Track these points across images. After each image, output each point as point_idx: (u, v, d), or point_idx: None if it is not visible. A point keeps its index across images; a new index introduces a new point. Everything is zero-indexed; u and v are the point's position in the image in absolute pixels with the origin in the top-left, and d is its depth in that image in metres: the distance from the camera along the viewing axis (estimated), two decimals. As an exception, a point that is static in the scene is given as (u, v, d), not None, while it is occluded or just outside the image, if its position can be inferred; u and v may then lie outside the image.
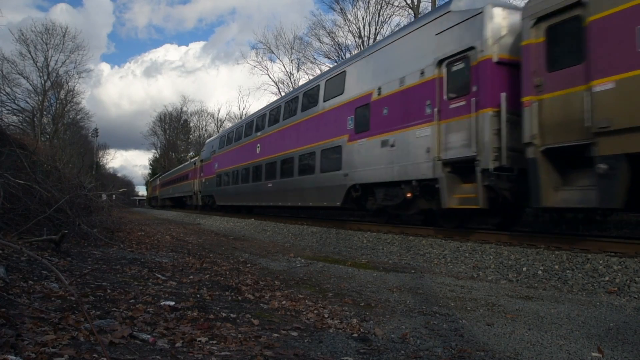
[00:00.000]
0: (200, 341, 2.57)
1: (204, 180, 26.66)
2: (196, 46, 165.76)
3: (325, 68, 30.75)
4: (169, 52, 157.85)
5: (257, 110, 20.90)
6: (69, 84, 44.58)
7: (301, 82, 34.06)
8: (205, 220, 21.40)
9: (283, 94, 38.50)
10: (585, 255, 5.78)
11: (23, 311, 2.60)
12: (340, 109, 11.90)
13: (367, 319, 3.67)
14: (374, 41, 29.16)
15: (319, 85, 13.41)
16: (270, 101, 22.44)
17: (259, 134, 18.08)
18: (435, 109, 8.40)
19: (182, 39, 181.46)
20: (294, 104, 15.11)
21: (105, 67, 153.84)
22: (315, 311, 3.84)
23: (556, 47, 6.33)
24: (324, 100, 12.88)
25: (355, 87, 11.35)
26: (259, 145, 17.86)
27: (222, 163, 22.99)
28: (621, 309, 4.26)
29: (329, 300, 4.40)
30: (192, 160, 34.62)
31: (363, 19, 29.83)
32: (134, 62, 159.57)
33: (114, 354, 2.13)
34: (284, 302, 4.14)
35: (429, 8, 24.53)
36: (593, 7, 5.68)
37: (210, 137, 60.96)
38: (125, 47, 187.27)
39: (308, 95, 14.16)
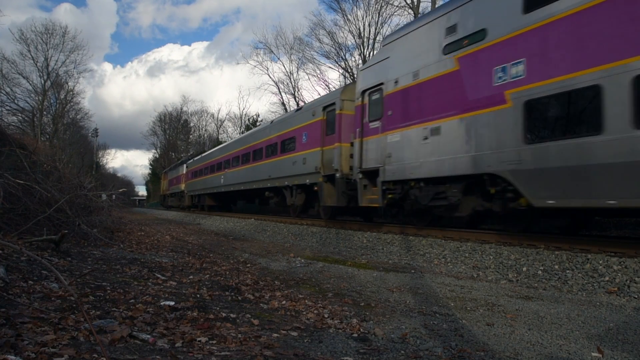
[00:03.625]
0: (200, 341, 2.57)
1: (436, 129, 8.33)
2: (200, 46, 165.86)
3: (325, 68, 30.35)
4: (172, 52, 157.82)
5: None
6: (69, 84, 44.69)
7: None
8: (205, 220, 21.39)
9: (283, 94, 38.07)
10: (585, 255, 5.78)
11: (23, 311, 2.59)
12: None
13: (367, 319, 3.67)
14: (373, 41, 29.14)
15: None
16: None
17: None
18: None
19: (186, 38, 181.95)
20: None
21: (107, 67, 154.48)
22: (315, 311, 3.84)
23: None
24: None
25: None
26: None
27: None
28: (621, 309, 4.25)
29: (329, 300, 4.40)
30: (317, 101, 14.59)
31: (363, 18, 29.82)
32: (137, 62, 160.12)
33: (114, 354, 2.13)
34: (284, 302, 4.14)
35: (429, 8, 24.56)
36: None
37: (210, 139, 60.13)
38: (129, 47, 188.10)
39: None
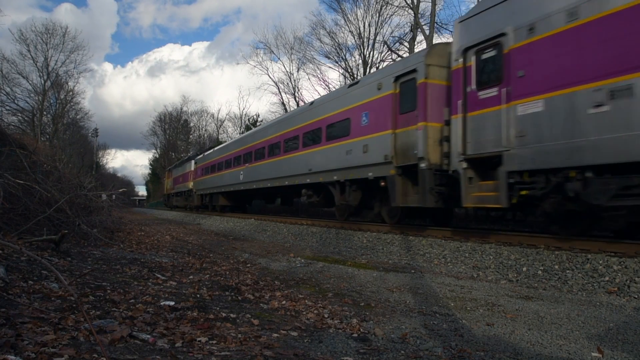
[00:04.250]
0: (200, 341, 2.57)
1: None
2: (200, 46, 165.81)
3: (325, 68, 30.24)
4: (173, 52, 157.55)
5: None
6: (69, 84, 44.69)
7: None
8: (205, 220, 21.39)
9: (283, 94, 37.84)
10: (585, 255, 5.78)
11: (23, 311, 2.59)
12: None
13: (367, 319, 3.67)
14: (373, 41, 29.07)
15: None
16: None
17: None
18: None
19: (187, 38, 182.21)
20: None
21: (108, 67, 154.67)
22: (315, 311, 3.84)
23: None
24: None
25: None
26: None
27: None
28: (621, 309, 4.25)
29: (329, 300, 4.40)
30: (384, 70, 11.97)
31: (363, 18, 29.81)
32: (138, 62, 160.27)
33: (114, 354, 2.13)
34: (284, 302, 4.14)
35: (429, 8, 24.55)
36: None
37: (210, 139, 60.19)
38: (129, 47, 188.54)
39: None
